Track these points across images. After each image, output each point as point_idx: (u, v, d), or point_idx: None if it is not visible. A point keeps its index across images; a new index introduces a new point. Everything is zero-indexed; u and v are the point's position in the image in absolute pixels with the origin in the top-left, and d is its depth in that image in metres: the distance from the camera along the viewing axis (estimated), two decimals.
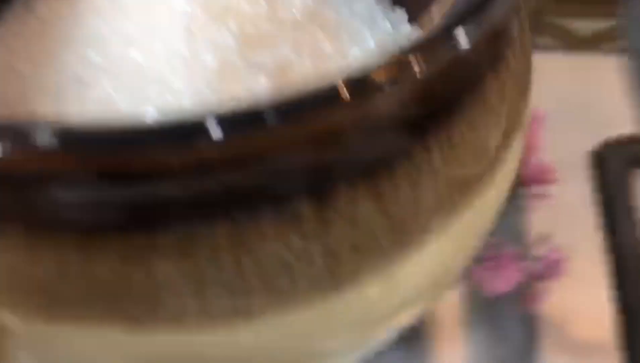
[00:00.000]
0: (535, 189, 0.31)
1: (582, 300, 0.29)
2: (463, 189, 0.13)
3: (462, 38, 0.11)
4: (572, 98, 0.36)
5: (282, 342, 0.12)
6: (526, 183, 0.30)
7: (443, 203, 0.13)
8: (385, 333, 0.15)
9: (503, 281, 0.27)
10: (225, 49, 0.14)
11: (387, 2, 0.18)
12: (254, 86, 0.14)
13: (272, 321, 0.12)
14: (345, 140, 0.11)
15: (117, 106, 0.14)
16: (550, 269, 0.29)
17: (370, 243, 0.12)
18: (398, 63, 0.11)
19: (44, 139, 0.10)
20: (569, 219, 0.31)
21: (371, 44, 0.16)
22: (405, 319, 0.15)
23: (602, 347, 0.28)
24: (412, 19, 0.18)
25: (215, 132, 0.10)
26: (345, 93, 0.11)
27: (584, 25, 0.38)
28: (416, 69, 0.11)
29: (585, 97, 0.36)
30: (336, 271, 0.12)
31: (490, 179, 0.14)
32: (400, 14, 0.18)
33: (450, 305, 0.28)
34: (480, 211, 0.14)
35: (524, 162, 0.19)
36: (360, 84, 0.11)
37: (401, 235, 0.12)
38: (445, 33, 0.12)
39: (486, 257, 0.27)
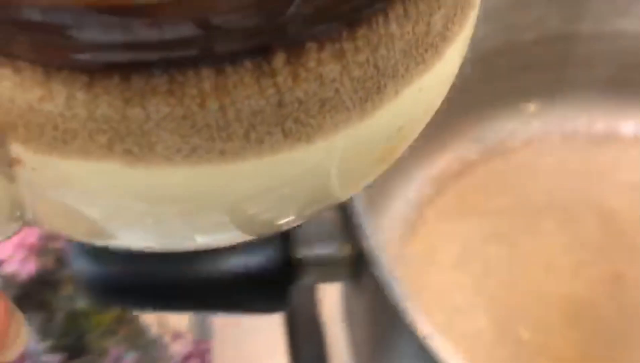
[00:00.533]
0: None
1: None
2: (418, 55, 0.14)
3: None
4: None
5: (259, 185, 0.15)
6: None
7: (399, 67, 0.14)
8: (353, 188, 0.17)
9: None
10: None
11: None
12: None
13: (249, 165, 0.14)
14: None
15: None
16: None
17: (335, 99, 0.14)
18: None
19: None
20: None
21: None
22: (371, 173, 0.17)
23: None
24: None
25: None
26: None
27: None
28: None
29: None
30: (305, 122, 0.14)
31: (443, 48, 0.15)
32: None
33: None
34: (436, 75, 0.15)
35: None
36: None
37: (362, 94, 0.14)
38: None
39: None
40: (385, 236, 0.47)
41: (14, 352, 0.18)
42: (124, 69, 0.13)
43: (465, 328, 0.44)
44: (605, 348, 0.44)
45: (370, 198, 0.46)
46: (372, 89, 0.14)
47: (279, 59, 0.13)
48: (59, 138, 0.14)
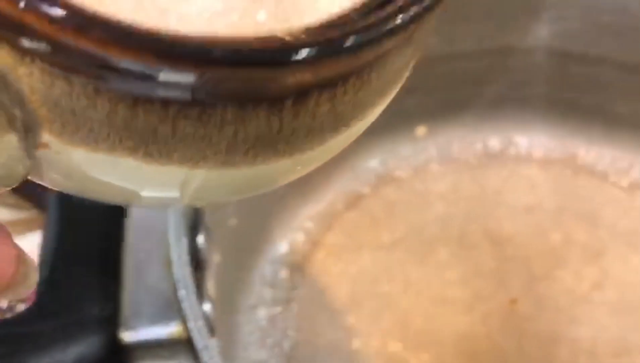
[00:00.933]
0: None
1: None
2: (366, 109, 0.19)
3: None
4: None
5: (240, 182, 0.18)
6: None
7: (348, 119, 0.19)
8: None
9: None
10: None
11: None
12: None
13: (240, 171, 0.18)
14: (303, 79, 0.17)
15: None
16: None
17: (320, 129, 0.18)
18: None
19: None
20: None
21: None
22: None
23: None
24: None
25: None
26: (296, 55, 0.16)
27: None
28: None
29: None
30: (292, 143, 0.18)
31: (381, 100, 0.19)
32: None
33: None
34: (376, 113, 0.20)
35: None
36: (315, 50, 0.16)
37: (338, 125, 0.18)
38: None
39: None
40: (274, 278, 0.45)
41: (23, 292, 0.20)
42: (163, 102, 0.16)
43: None
44: None
45: (251, 241, 0.44)
46: (339, 125, 0.18)
47: (289, 103, 0.17)
48: (91, 137, 0.16)
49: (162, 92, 0.16)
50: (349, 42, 0.16)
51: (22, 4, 0.15)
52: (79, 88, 0.16)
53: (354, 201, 0.49)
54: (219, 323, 0.38)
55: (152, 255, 0.29)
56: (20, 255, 0.20)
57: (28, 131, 0.17)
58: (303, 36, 0.16)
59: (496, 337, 0.44)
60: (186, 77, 0.16)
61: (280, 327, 0.43)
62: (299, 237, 0.47)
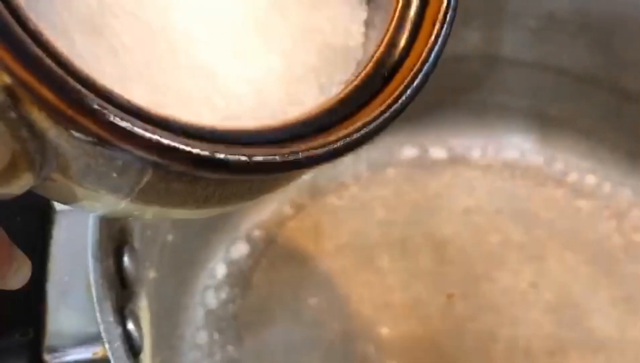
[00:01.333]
0: None
1: None
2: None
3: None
4: None
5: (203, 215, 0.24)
6: None
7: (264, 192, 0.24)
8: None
9: None
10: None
11: None
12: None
13: (206, 211, 0.23)
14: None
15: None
16: None
17: (230, 195, 0.23)
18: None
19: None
20: None
21: None
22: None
23: None
24: None
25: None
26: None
27: None
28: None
29: None
30: (211, 203, 0.22)
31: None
32: None
33: None
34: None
35: None
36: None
37: (254, 194, 0.24)
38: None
39: None
40: (216, 291, 0.46)
41: (15, 283, 0.22)
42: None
43: None
44: None
45: (190, 255, 0.45)
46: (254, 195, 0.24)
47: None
48: (88, 177, 0.20)
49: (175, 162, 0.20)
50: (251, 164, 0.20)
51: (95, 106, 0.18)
52: (102, 161, 0.20)
53: (297, 210, 0.50)
54: (159, 339, 0.39)
55: (75, 277, 0.30)
56: (12, 251, 0.22)
57: (42, 169, 0.20)
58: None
59: (436, 337, 0.45)
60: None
61: (224, 338, 0.44)
62: (242, 248, 0.47)
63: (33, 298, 0.29)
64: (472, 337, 0.45)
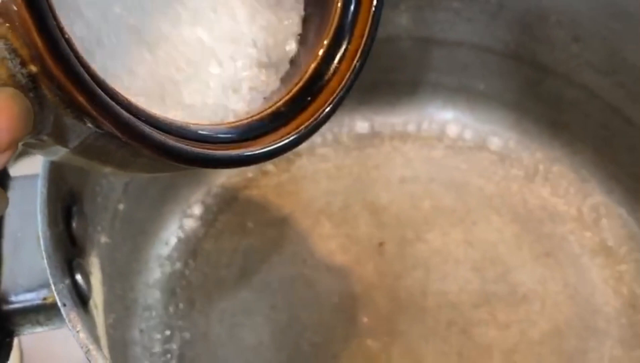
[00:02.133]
0: None
1: None
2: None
3: None
4: None
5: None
6: None
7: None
8: None
9: None
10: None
11: None
12: None
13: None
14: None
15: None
16: None
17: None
18: None
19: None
20: None
21: None
22: None
23: None
24: None
25: None
26: None
27: None
28: None
29: None
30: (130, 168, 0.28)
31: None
32: None
33: None
34: None
35: None
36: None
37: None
38: None
39: None
40: (168, 258, 0.50)
41: None
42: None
43: (247, 340, 0.47)
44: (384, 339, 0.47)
45: (142, 225, 0.48)
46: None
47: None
48: (71, 147, 0.25)
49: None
50: None
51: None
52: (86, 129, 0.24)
53: (246, 183, 0.53)
54: (114, 299, 0.43)
55: (27, 233, 0.33)
56: None
57: (37, 135, 0.24)
58: None
59: (372, 293, 0.49)
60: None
61: (176, 299, 0.48)
62: (194, 218, 0.51)
63: None
64: (405, 292, 0.49)
